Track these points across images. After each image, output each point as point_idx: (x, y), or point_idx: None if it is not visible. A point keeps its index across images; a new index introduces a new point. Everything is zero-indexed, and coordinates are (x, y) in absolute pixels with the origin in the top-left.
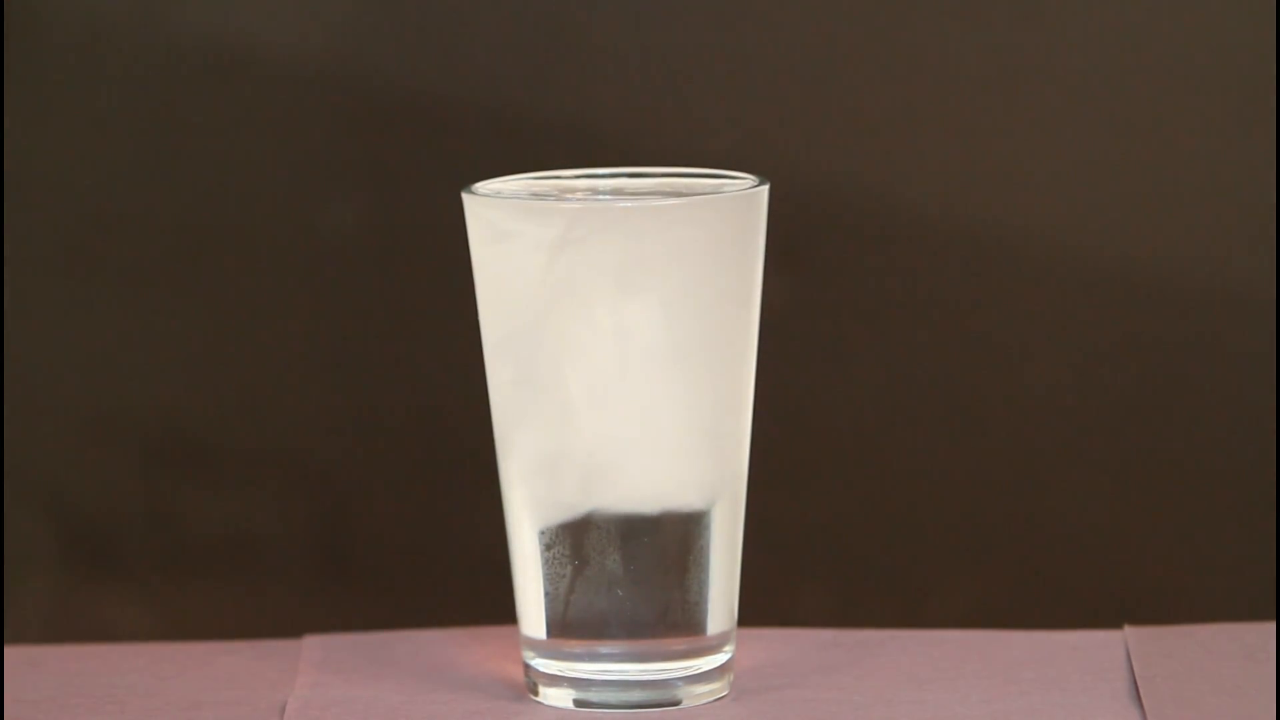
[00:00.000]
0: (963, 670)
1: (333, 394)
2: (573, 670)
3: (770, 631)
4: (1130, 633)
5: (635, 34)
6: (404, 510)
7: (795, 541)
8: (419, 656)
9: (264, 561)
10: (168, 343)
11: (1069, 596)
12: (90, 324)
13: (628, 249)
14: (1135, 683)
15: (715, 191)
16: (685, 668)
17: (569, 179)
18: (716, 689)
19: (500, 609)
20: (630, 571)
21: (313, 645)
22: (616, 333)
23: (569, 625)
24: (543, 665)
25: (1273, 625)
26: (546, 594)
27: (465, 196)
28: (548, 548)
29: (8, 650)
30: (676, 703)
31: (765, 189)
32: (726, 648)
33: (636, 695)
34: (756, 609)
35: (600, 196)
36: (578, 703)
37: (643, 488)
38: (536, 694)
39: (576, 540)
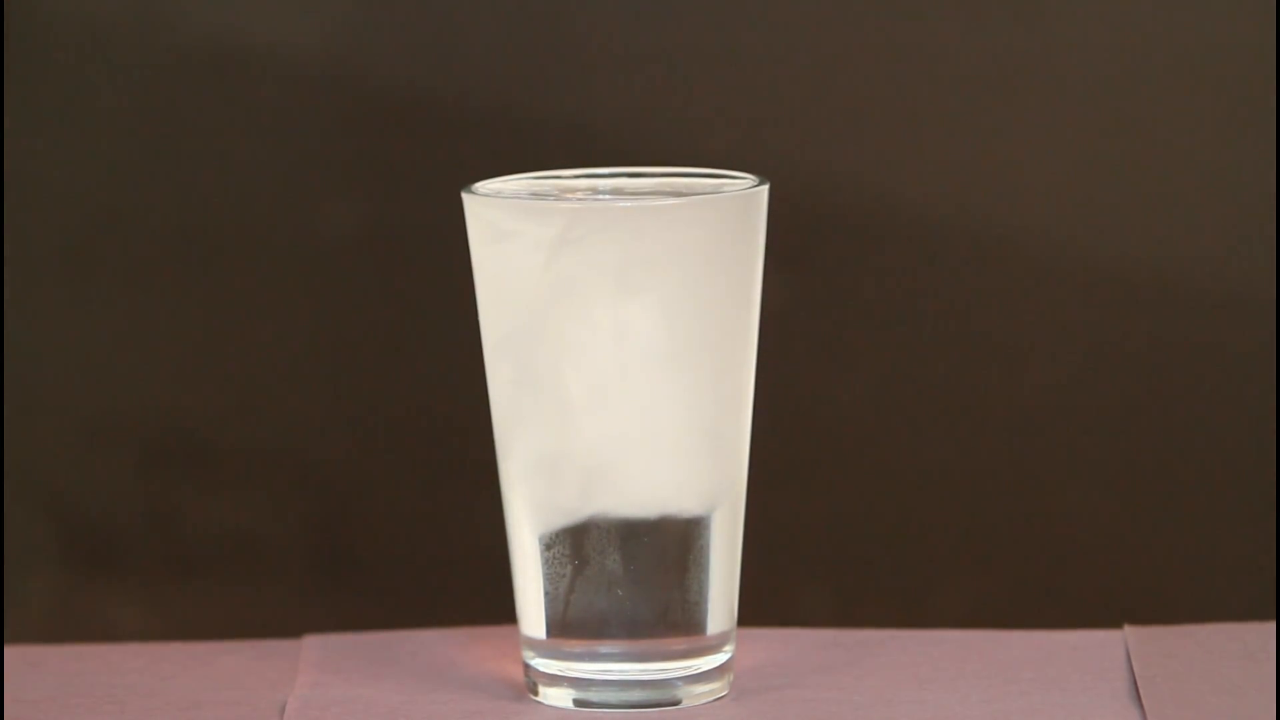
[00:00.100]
0: (963, 670)
1: (333, 394)
2: (572, 670)
3: (770, 631)
4: (1130, 633)
5: (635, 34)
6: (404, 510)
7: (795, 541)
8: (419, 656)
9: (264, 561)
10: (168, 343)
11: (1069, 596)
12: (90, 324)
13: (627, 249)
14: (1135, 683)
15: (715, 191)
16: (685, 668)
17: (569, 179)
18: (716, 689)
19: (500, 609)
20: (630, 571)
21: (313, 645)
22: (616, 333)
23: (569, 625)
24: (543, 665)
25: (1273, 625)
26: (546, 594)
27: (465, 196)
28: (547, 548)
29: (8, 650)
30: (676, 702)
31: (765, 189)
32: (726, 648)
33: (636, 695)
34: (756, 609)
35: (600, 196)
36: (577, 702)
37: (643, 490)
38: (536, 694)
39: (576, 540)
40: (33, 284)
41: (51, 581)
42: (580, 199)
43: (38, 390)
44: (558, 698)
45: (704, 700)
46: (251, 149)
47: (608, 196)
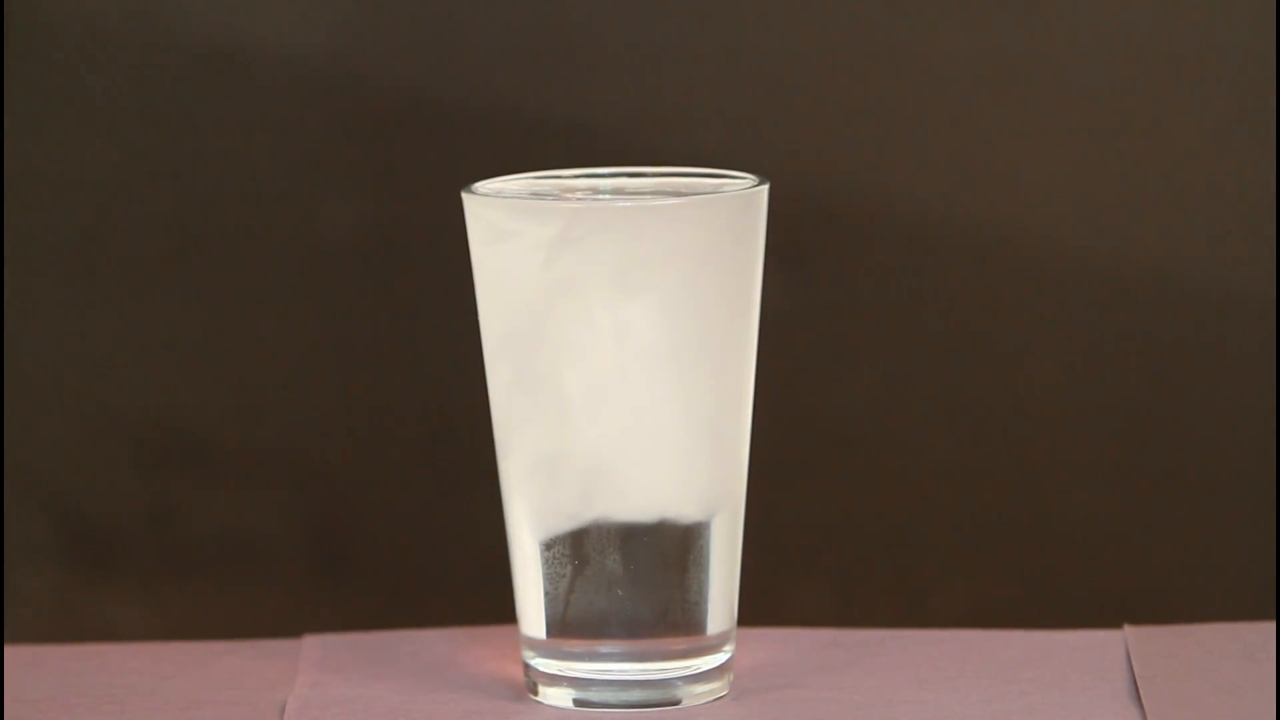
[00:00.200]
0: (963, 670)
1: (333, 394)
2: (572, 670)
3: (770, 631)
4: (1130, 633)
5: (635, 34)
6: (404, 510)
7: (795, 541)
8: (419, 656)
9: (264, 561)
10: (167, 343)
11: (1069, 596)
12: (90, 324)
13: (626, 249)
14: (1135, 683)
15: (715, 191)
16: (685, 667)
17: (569, 179)
18: (716, 689)
19: (500, 609)
20: (630, 571)
21: (312, 645)
22: (615, 333)
23: (569, 625)
24: (543, 665)
25: (1273, 625)
26: (546, 594)
27: (465, 196)
28: (547, 548)
29: (8, 650)
30: (676, 702)
31: (765, 189)
32: (726, 647)
33: (636, 695)
34: (756, 609)
35: (600, 196)
36: (577, 702)
37: (643, 493)
38: (536, 694)
39: (576, 540)
40: (33, 284)
41: (51, 581)
42: (580, 199)
43: (38, 390)
44: (558, 698)
45: (704, 700)
46: (251, 149)
47: (608, 196)
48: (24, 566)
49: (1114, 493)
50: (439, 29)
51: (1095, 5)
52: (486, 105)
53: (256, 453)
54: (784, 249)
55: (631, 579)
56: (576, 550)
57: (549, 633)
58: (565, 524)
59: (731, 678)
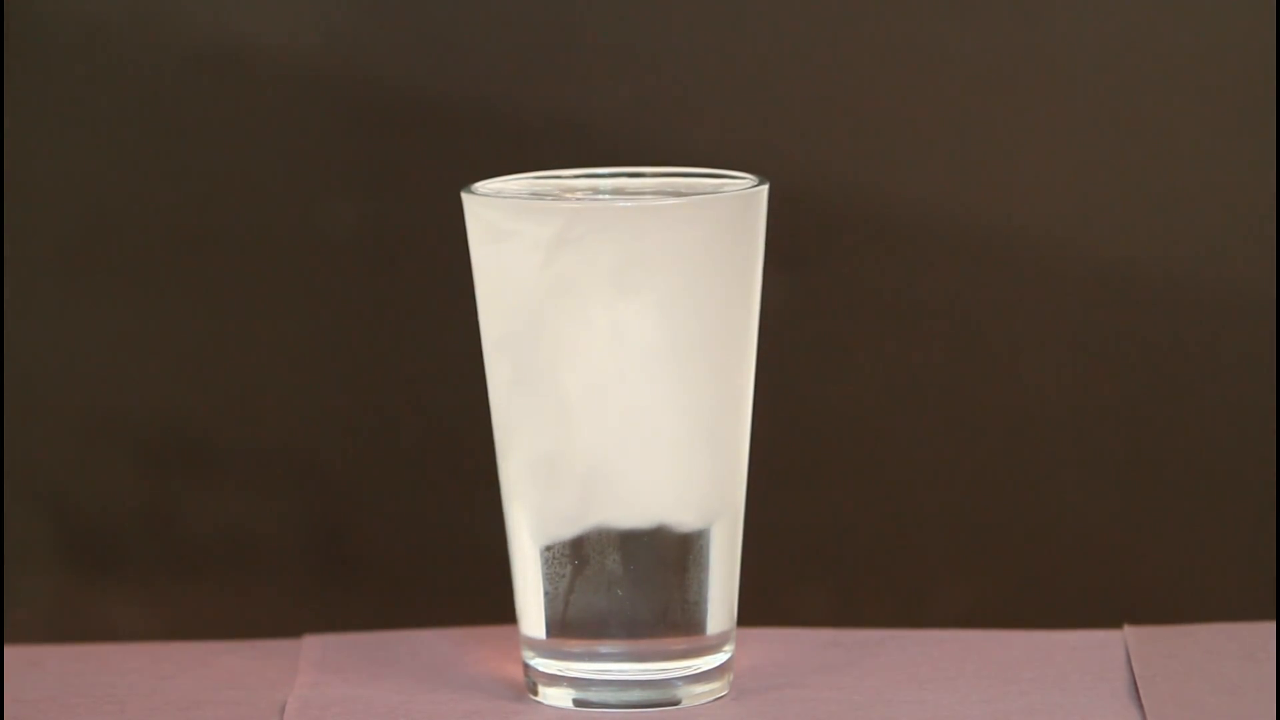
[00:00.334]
0: (963, 670)
1: (333, 394)
2: (572, 670)
3: (770, 631)
4: (1130, 633)
5: (635, 34)
6: (404, 510)
7: (795, 541)
8: (419, 656)
9: (264, 561)
10: (167, 343)
11: (1069, 596)
12: (90, 324)
13: (625, 249)
14: (1135, 683)
15: (715, 191)
16: (685, 667)
17: (570, 179)
18: (716, 689)
19: (500, 609)
20: (630, 571)
21: (312, 645)
22: (614, 333)
23: (569, 625)
24: (542, 665)
25: (1273, 625)
26: (546, 594)
27: (465, 196)
28: (547, 548)
29: (8, 650)
30: (676, 702)
31: (765, 189)
32: (726, 647)
33: (636, 695)
34: (756, 609)
35: (600, 196)
36: (577, 702)
37: (642, 496)
38: (536, 694)
39: (576, 541)
40: (33, 284)
41: (51, 581)
42: (579, 199)
43: (38, 390)
44: (557, 698)
45: (704, 700)
46: (251, 149)
47: (608, 196)
48: (24, 566)
49: (1114, 493)
50: (438, 29)
51: (1095, 5)
52: (486, 105)
53: (256, 453)
54: (784, 249)
55: (631, 579)
56: (576, 550)
57: (549, 633)
58: (565, 526)
59: (731, 678)
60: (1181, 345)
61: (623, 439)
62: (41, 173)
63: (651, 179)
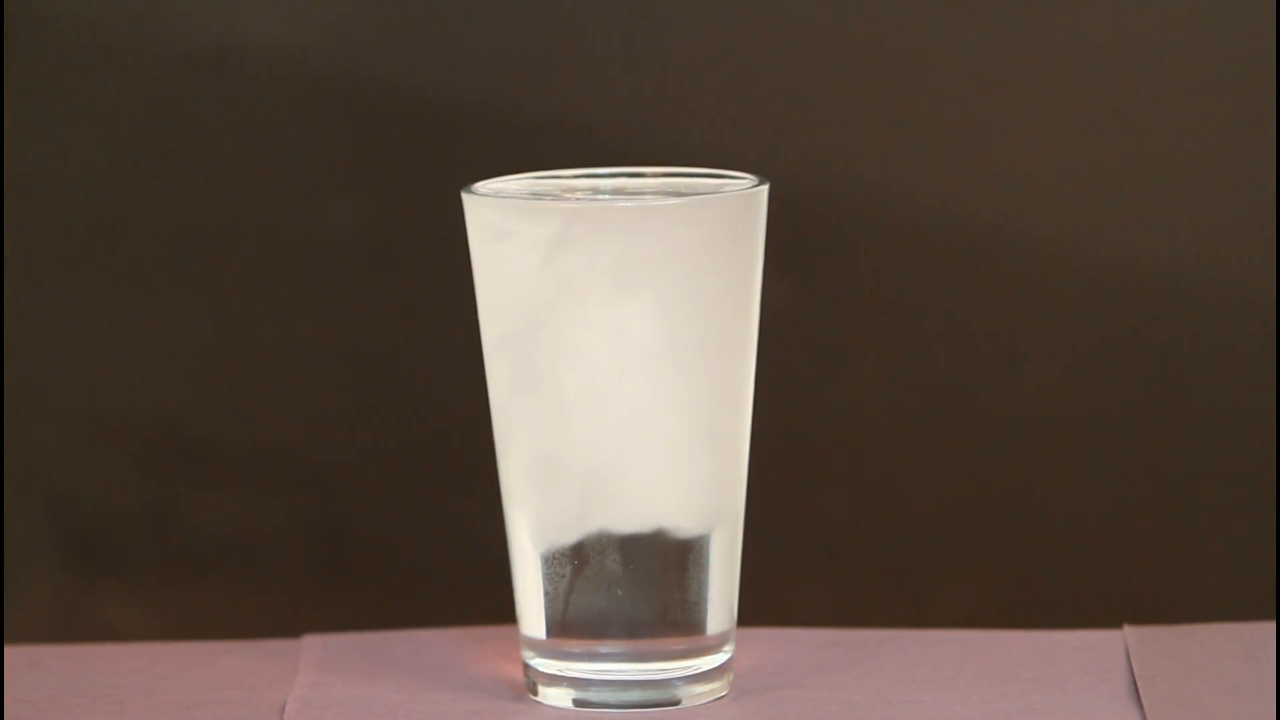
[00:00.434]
0: (963, 670)
1: (333, 394)
2: (572, 670)
3: (770, 631)
4: (1130, 633)
5: (635, 34)
6: (404, 510)
7: (795, 541)
8: (419, 656)
9: (264, 561)
10: (167, 343)
11: (1069, 596)
12: (90, 324)
13: (625, 249)
14: (1135, 683)
15: (715, 192)
16: (685, 668)
17: (570, 179)
18: (716, 689)
19: (500, 609)
20: (630, 571)
21: (312, 645)
22: (613, 333)
23: (569, 625)
24: (542, 665)
25: (1273, 625)
26: (546, 594)
27: (465, 196)
28: (547, 548)
29: (8, 650)
30: (676, 702)
31: (765, 189)
32: (726, 647)
33: (636, 695)
34: (756, 609)
35: (601, 196)
36: (577, 702)
37: (642, 499)
38: (536, 694)
39: (576, 541)
40: (33, 284)
41: (51, 581)
42: (578, 199)
43: (38, 390)
44: (557, 698)
45: (704, 700)
46: (251, 149)
47: (608, 196)
48: (24, 566)
49: (1114, 493)
50: (438, 28)
51: (1095, 5)
52: (486, 105)
53: (256, 453)
54: (784, 249)
55: (631, 579)
56: (576, 550)
57: (549, 633)
58: (565, 528)
59: (731, 678)
60: (1181, 345)
61: (622, 439)
62: (41, 172)
63: (651, 179)
